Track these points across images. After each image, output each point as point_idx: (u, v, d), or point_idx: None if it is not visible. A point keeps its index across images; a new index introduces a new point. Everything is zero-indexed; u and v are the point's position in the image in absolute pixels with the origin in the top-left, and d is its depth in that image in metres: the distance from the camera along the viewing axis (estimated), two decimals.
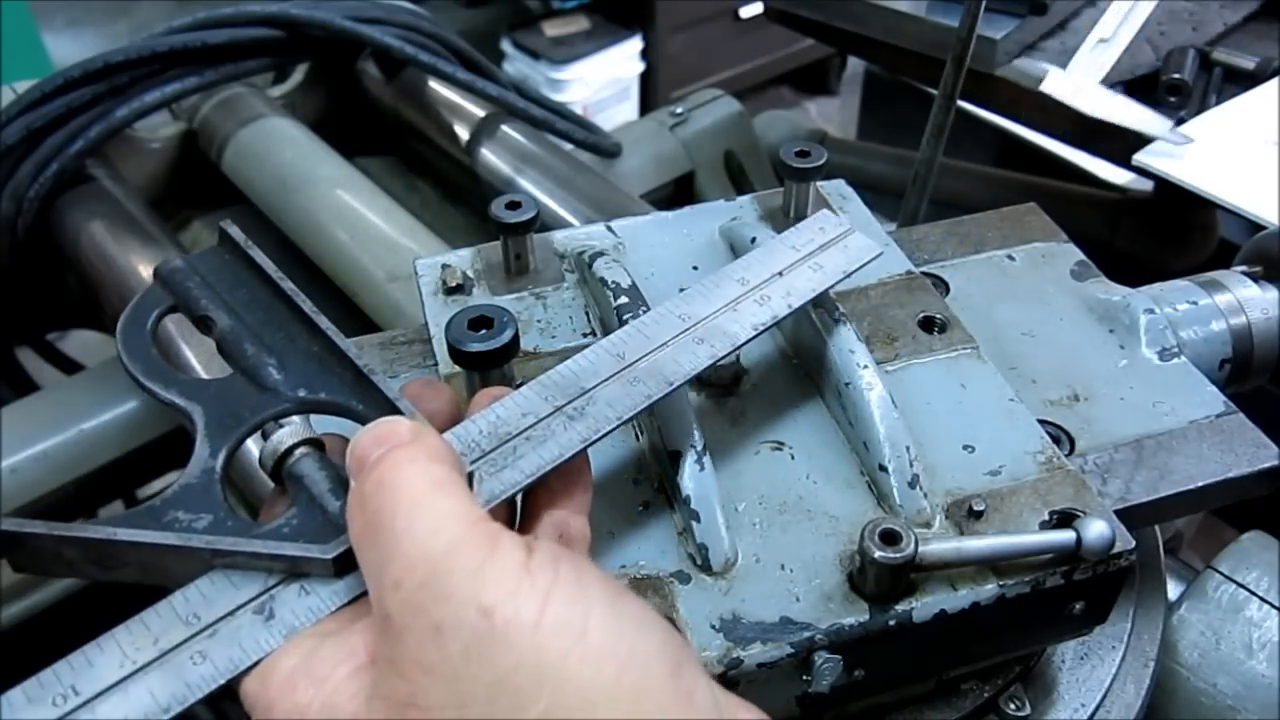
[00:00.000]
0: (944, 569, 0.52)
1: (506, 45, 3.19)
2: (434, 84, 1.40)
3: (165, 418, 1.15)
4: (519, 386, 0.49)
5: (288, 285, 0.50)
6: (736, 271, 0.57)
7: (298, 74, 1.50)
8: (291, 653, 0.40)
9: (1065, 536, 0.52)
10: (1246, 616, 0.72)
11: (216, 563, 0.42)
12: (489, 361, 0.56)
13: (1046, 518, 0.55)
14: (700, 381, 0.64)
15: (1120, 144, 1.17)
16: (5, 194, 1.16)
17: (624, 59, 3.24)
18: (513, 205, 0.70)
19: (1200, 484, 0.62)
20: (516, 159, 1.29)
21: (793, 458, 0.59)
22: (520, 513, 0.48)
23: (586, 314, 0.69)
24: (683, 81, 3.25)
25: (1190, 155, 1.11)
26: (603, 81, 3.19)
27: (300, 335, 0.49)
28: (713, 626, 0.51)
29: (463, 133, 1.34)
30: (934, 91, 1.06)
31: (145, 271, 1.08)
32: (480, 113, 1.35)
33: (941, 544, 0.51)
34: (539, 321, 0.68)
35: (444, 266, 0.71)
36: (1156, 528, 0.75)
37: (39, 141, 1.15)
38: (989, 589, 0.52)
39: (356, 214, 1.20)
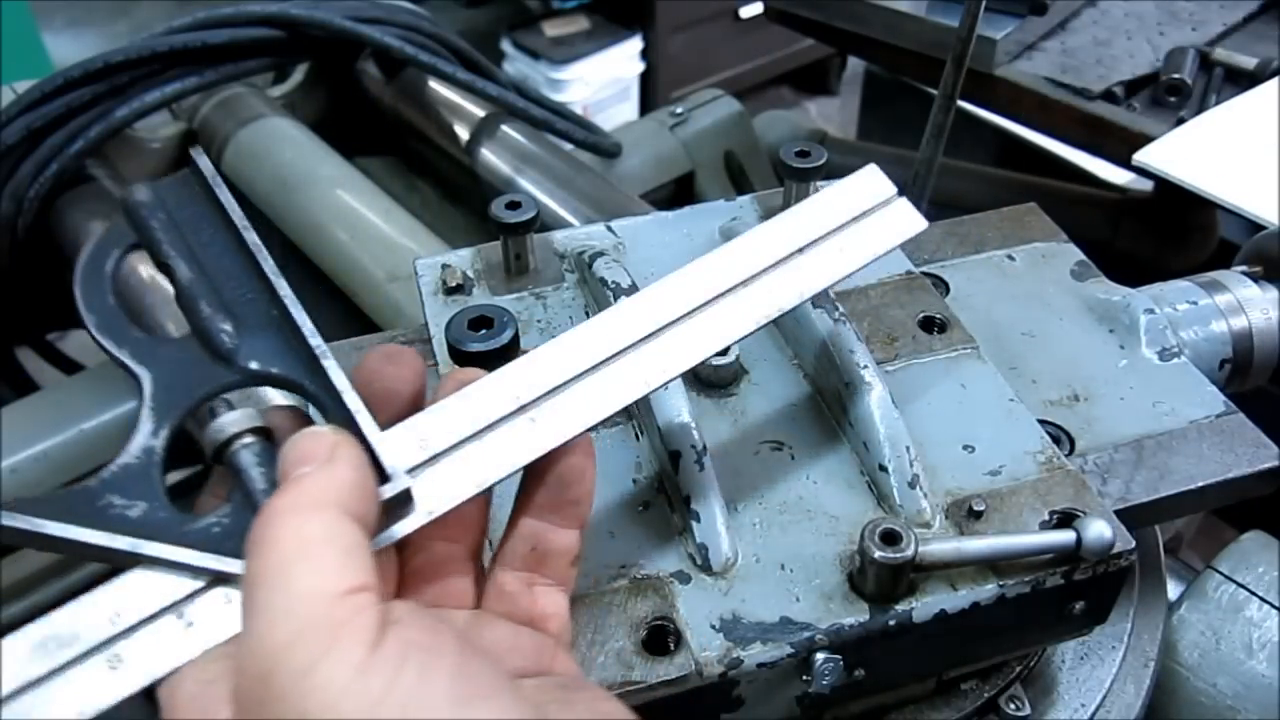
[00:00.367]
0: (944, 569, 0.52)
1: (506, 45, 3.19)
2: (434, 84, 1.40)
3: None
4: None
5: (251, 238, 0.46)
6: (757, 238, 0.52)
7: (298, 74, 1.50)
8: (197, 674, 0.39)
9: (1065, 536, 0.52)
10: (1246, 616, 0.72)
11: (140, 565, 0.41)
12: (489, 361, 0.56)
13: (1046, 518, 0.55)
14: (700, 381, 0.64)
15: (1120, 144, 1.17)
16: (5, 194, 1.16)
17: (624, 59, 3.23)
18: (513, 205, 0.70)
19: (1200, 484, 0.62)
20: (516, 159, 1.29)
21: (793, 458, 0.59)
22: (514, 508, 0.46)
23: (586, 314, 0.69)
24: (683, 81, 3.24)
25: (1190, 155, 1.11)
26: (603, 81, 3.19)
27: (262, 296, 0.46)
28: (713, 626, 0.51)
29: (463, 133, 1.34)
30: (934, 91, 1.06)
31: (145, 271, 1.08)
32: (480, 113, 1.35)
33: (941, 544, 0.51)
34: (539, 321, 0.68)
35: (444, 266, 0.72)
36: (1156, 528, 0.75)
37: (39, 141, 1.15)
38: (989, 589, 0.52)
39: (356, 214, 1.20)
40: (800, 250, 0.52)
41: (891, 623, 0.51)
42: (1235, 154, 1.11)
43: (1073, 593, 0.54)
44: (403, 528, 0.42)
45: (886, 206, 0.56)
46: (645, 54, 3.27)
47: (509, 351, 0.57)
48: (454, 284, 0.70)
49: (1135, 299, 0.72)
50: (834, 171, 0.77)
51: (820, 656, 0.51)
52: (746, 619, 0.51)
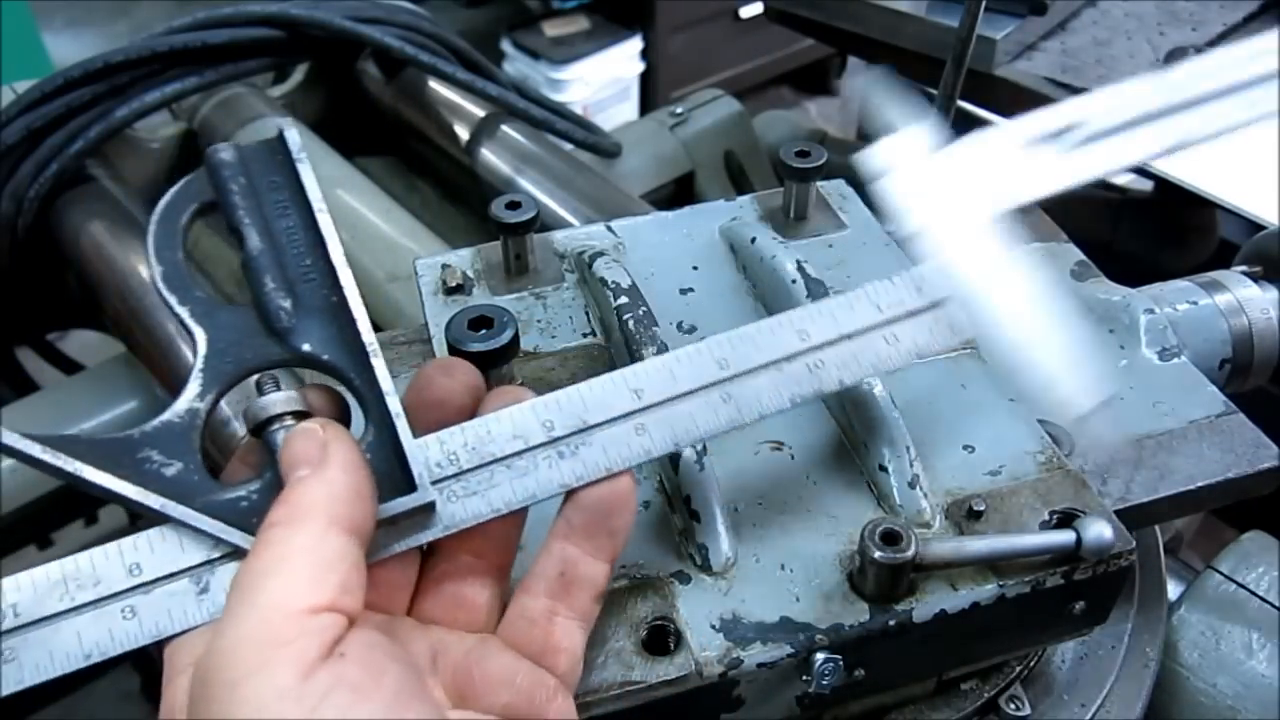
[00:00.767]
0: (944, 569, 0.52)
1: (506, 45, 3.19)
2: (434, 84, 1.40)
3: None
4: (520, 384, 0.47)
5: (324, 220, 0.47)
6: (800, 321, 0.50)
7: (298, 74, 1.50)
8: (199, 643, 0.40)
9: (1065, 536, 0.52)
10: (1246, 616, 0.72)
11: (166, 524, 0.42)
12: (489, 361, 0.56)
13: (1046, 518, 0.55)
14: None
15: None
16: (5, 194, 1.16)
17: (624, 59, 3.23)
18: (513, 205, 0.70)
19: (1200, 484, 0.62)
20: (516, 159, 1.29)
21: (793, 458, 0.59)
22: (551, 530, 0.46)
23: (586, 314, 0.69)
24: (683, 81, 3.24)
25: (1190, 155, 1.11)
26: (603, 81, 3.19)
27: (325, 280, 0.47)
28: (713, 626, 0.51)
29: (463, 133, 1.34)
30: (934, 91, 1.06)
31: (145, 271, 1.08)
32: (480, 113, 1.35)
33: (941, 544, 0.51)
34: (539, 321, 0.68)
35: (444, 266, 0.72)
36: (1156, 528, 0.75)
37: (39, 141, 1.15)
38: (989, 589, 0.52)
39: (356, 214, 1.20)
40: (849, 336, 0.50)
41: (891, 623, 0.51)
42: (1235, 154, 1.11)
43: (1073, 593, 0.54)
44: (418, 538, 0.43)
45: (941, 307, 0.51)
46: (645, 54, 3.27)
47: (509, 351, 0.57)
48: (454, 284, 0.70)
49: (1135, 299, 0.72)
50: (834, 171, 0.77)
51: (820, 656, 0.51)
52: (746, 619, 0.51)
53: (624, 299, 0.63)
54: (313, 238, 0.47)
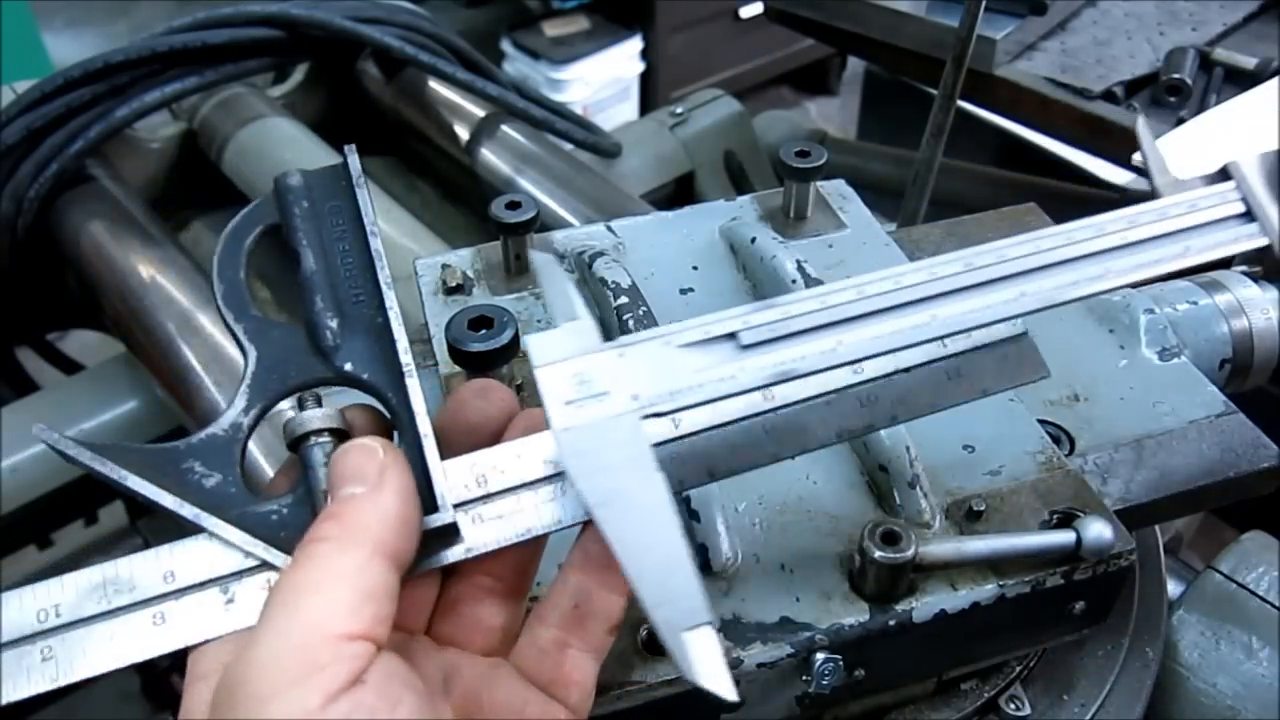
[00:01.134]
0: (944, 569, 0.52)
1: (506, 45, 3.19)
2: (434, 84, 1.40)
3: (166, 417, 1.15)
4: (519, 388, 0.47)
5: (375, 244, 0.48)
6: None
7: (298, 74, 1.50)
8: (220, 654, 0.41)
9: (1065, 537, 0.52)
10: (1246, 616, 0.72)
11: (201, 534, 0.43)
12: (489, 361, 0.56)
13: (1046, 518, 0.55)
14: None
15: (1120, 144, 1.17)
16: (5, 194, 1.16)
17: (624, 59, 3.23)
18: (513, 205, 0.70)
19: (1200, 484, 0.62)
20: (516, 159, 1.29)
21: (793, 458, 0.59)
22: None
23: None
24: (683, 81, 3.24)
25: (1190, 155, 1.11)
26: (603, 81, 3.19)
27: (371, 301, 0.48)
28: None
29: (463, 133, 1.34)
30: (934, 91, 1.06)
31: (145, 271, 1.08)
32: (480, 113, 1.35)
33: (941, 544, 0.51)
34: (539, 321, 0.68)
35: (444, 266, 0.72)
36: (1156, 528, 0.75)
37: (39, 141, 1.15)
38: (989, 589, 0.52)
39: None
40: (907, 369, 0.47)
41: (891, 623, 0.51)
42: (1235, 154, 1.10)
43: (1073, 593, 0.54)
44: (440, 559, 0.43)
45: (1014, 345, 0.49)
46: (645, 54, 3.27)
47: (509, 351, 0.57)
48: (454, 284, 0.70)
49: (1135, 299, 0.72)
50: (834, 171, 0.77)
51: (820, 656, 0.51)
52: (746, 619, 0.51)
53: (624, 299, 0.63)
54: (365, 260, 0.49)
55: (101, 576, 0.41)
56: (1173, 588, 0.75)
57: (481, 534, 0.43)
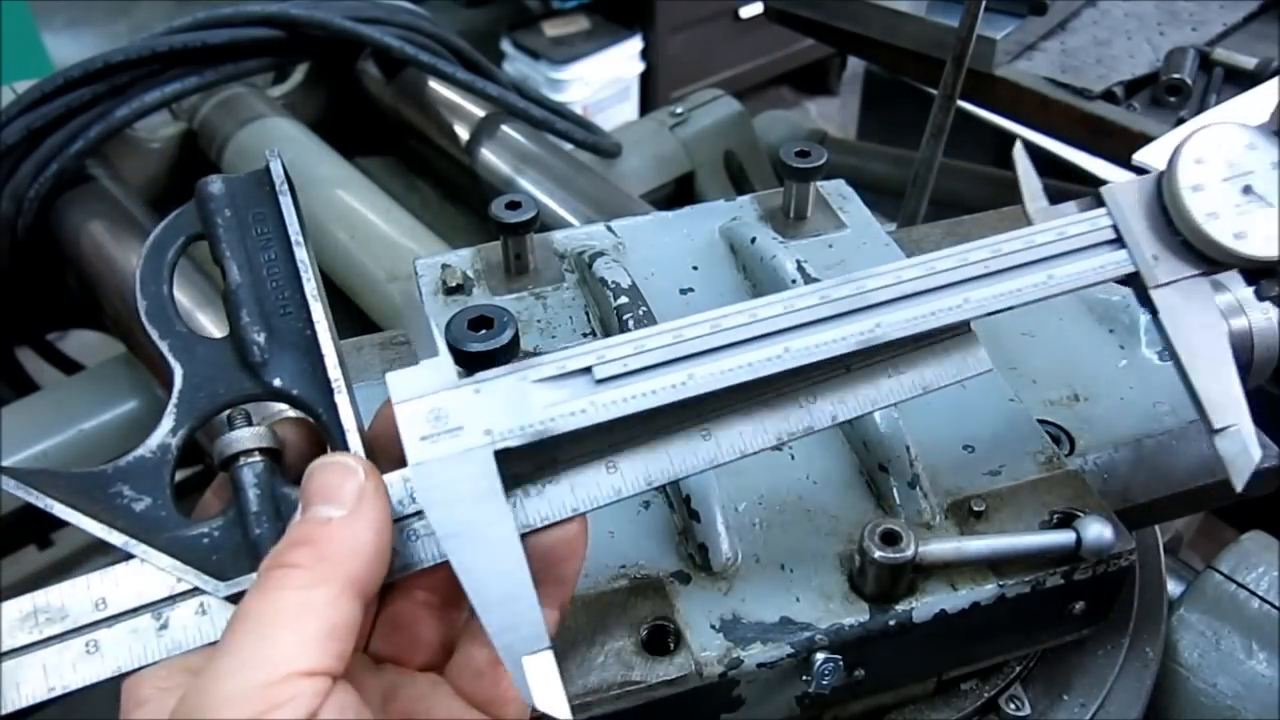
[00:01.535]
0: (944, 569, 0.52)
1: (506, 45, 3.19)
2: (434, 84, 1.40)
3: None
4: None
5: (300, 254, 0.47)
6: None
7: (298, 74, 1.50)
8: (158, 679, 0.40)
9: (1065, 536, 0.52)
10: (1246, 616, 0.72)
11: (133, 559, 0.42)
12: (489, 361, 0.56)
13: (1046, 518, 0.55)
14: None
15: (1120, 144, 1.17)
16: (5, 194, 1.16)
17: (624, 59, 3.23)
18: (513, 205, 0.70)
19: (1200, 484, 0.62)
20: (516, 159, 1.29)
21: (793, 458, 0.59)
22: None
23: (586, 314, 0.69)
24: (683, 81, 3.24)
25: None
26: (603, 81, 3.19)
27: (299, 314, 0.47)
28: (713, 626, 0.51)
29: (463, 133, 1.34)
30: (934, 91, 1.06)
31: None
32: (480, 113, 1.35)
33: (941, 544, 0.51)
34: (539, 321, 0.68)
35: (444, 266, 0.72)
36: (1156, 528, 0.75)
37: (39, 141, 1.16)
38: (989, 589, 0.52)
39: (356, 214, 1.21)
40: (848, 369, 0.48)
41: (891, 623, 0.51)
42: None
43: (1073, 593, 0.54)
44: None
45: (962, 348, 0.50)
46: (645, 54, 3.27)
47: (509, 351, 0.57)
48: (454, 284, 0.70)
49: (1135, 299, 0.72)
50: (834, 171, 0.77)
51: (820, 656, 0.51)
52: (746, 619, 0.51)
53: (624, 299, 0.63)
54: (291, 270, 0.47)
55: (32, 605, 0.41)
56: (1173, 588, 0.75)
57: (418, 550, 0.43)
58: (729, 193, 1.56)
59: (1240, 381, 0.68)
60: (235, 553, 0.43)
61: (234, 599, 0.42)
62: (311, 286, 0.47)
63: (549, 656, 0.40)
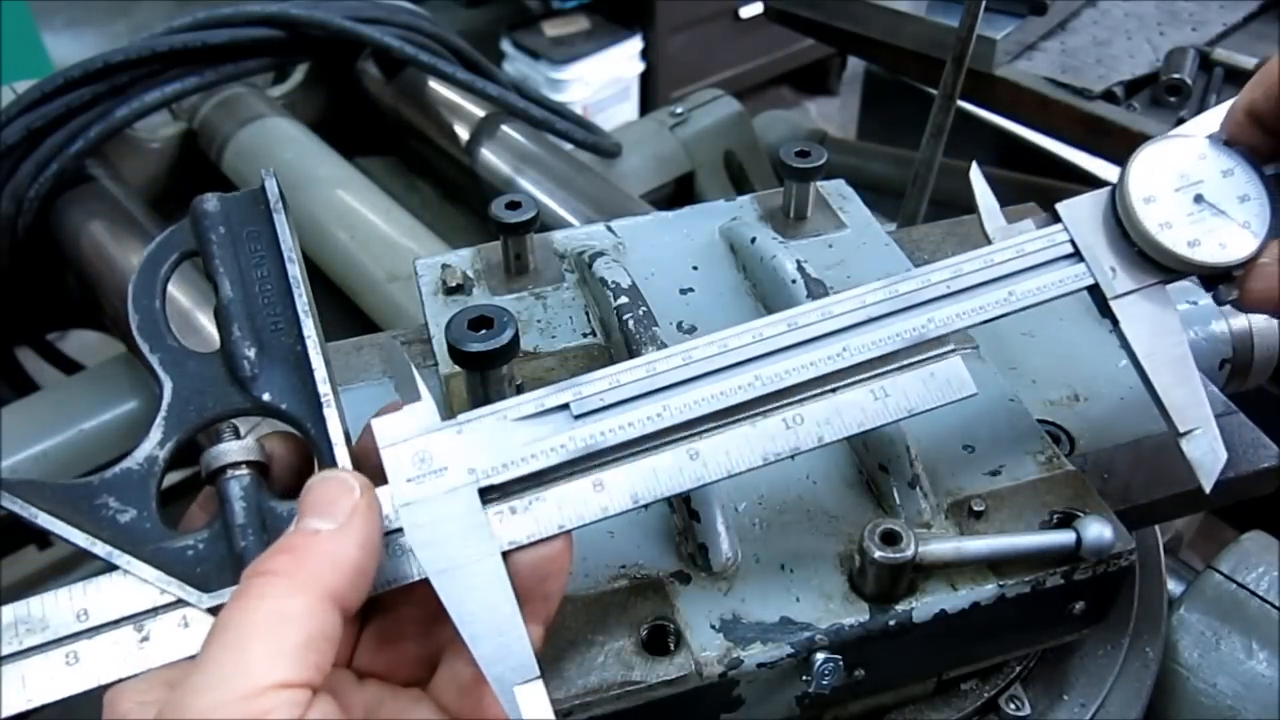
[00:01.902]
0: (944, 569, 0.52)
1: (506, 45, 3.19)
2: (434, 84, 1.40)
3: None
4: (519, 388, 0.47)
5: (293, 271, 0.48)
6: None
7: (298, 74, 1.50)
8: (138, 692, 0.40)
9: (1065, 536, 0.52)
10: (1246, 616, 0.72)
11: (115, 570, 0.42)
12: (489, 361, 0.56)
13: (1046, 518, 0.55)
14: None
15: (1120, 144, 1.17)
16: (5, 194, 1.16)
17: (624, 59, 3.23)
18: (513, 205, 0.70)
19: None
20: (516, 159, 1.29)
21: (793, 458, 0.59)
22: None
23: (586, 314, 0.69)
24: (683, 81, 3.24)
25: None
26: (603, 81, 3.19)
27: (290, 329, 0.47)
28: (713, 626, 0.51)
29: (463, 133, 1.34)
30: (934, 91, 1.06)
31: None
32: (480, 113, 1.35)
33: (941, 544, 0.51)
34: (539, 321, 0.68)
35: (444, 266, 0.71)
36: (1156, 528, 0.75)
37: (39, 141, 1.16)
38: (989, 589, 0.52)
39: (356, 214, 1.21)
40: (834, 390, 0.49)
41: (891, 623, 0.51)
42: None
43: (1073, 593, 0.54)
44: None
45: (940, 361, 0.50)
46: (645, 54, 3.27)
47: (509, 351, 0.57)
48: (454, 284, 0.70)
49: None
50: (834, 171, 0.77)
51: (820, 656, 0.51)
52: (746, 619, 0.51)
53: (624, 299, 0.63)
54: (283, 287, 0.48)
55: (13, 615, 0.41)
56: (1173, 588, 0.75)
57: (402, 565, 0.43)
58: (729, 193, 1.56)
59: (1215, 385, 0.68)
60: (220, 565, 0.43)
61: (216, 611, 0.42)
62: (303, 302, 0.47)
63: (539, 686, 0.41)
